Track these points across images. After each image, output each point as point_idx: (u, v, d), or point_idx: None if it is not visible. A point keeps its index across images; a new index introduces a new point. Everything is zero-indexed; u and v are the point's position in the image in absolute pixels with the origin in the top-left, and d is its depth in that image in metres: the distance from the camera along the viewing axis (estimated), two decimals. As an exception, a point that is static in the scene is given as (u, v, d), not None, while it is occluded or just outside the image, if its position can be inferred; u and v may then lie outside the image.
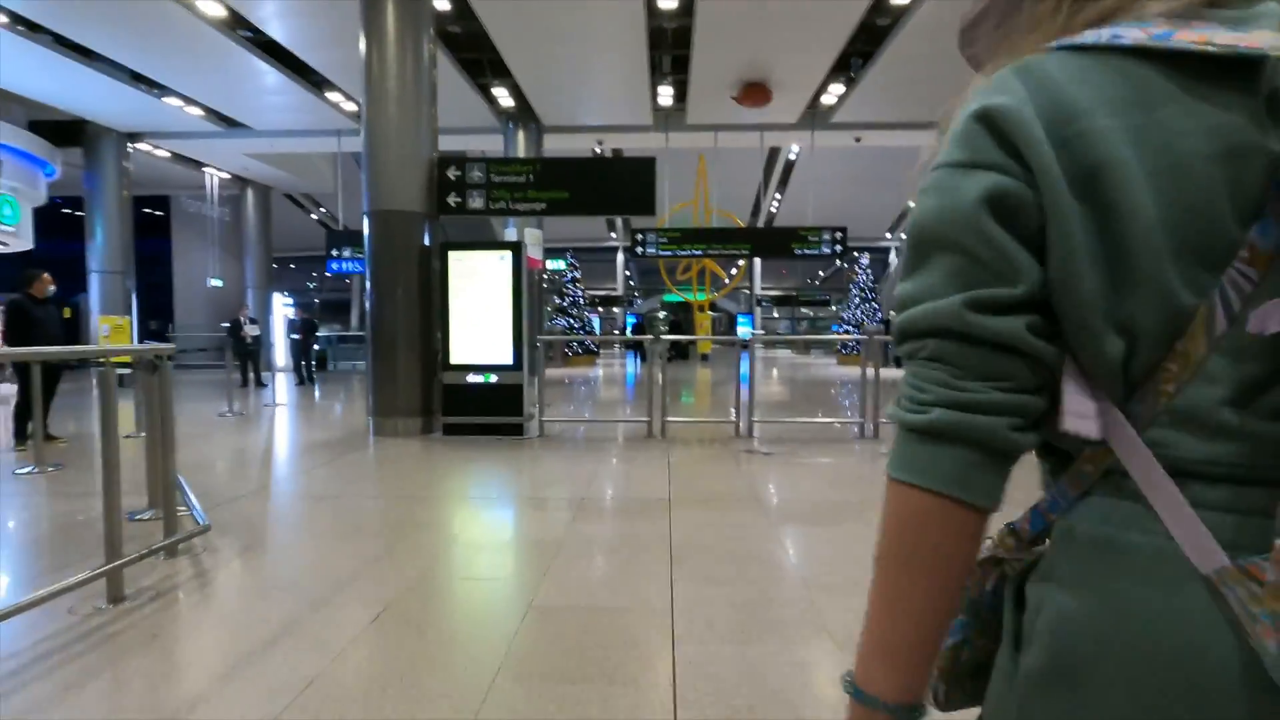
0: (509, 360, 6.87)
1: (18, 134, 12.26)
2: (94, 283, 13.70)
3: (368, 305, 7.10)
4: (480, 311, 6.90)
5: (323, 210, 28.46)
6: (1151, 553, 0.49)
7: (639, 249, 13.68)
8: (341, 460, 5.81)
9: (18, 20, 8.91)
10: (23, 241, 13.59)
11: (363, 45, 6.87)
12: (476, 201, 7.13)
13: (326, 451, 6.29)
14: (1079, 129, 0.48)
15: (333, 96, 11.77)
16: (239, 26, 9.22)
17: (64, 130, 13.67)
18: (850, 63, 10.93)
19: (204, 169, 16.71)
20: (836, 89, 11.78)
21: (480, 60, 10.59)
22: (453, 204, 7.13)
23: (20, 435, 6.47)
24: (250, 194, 18.38)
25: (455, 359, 6.94)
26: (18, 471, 5.62)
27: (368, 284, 7.07)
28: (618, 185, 7.09)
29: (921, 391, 0.53)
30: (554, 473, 5.48)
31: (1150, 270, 0.47)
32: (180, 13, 8.69)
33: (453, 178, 7.12)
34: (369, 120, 6.88)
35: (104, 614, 2.70)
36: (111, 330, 13.86)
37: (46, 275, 6.62)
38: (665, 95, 11.60)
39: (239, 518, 4.07)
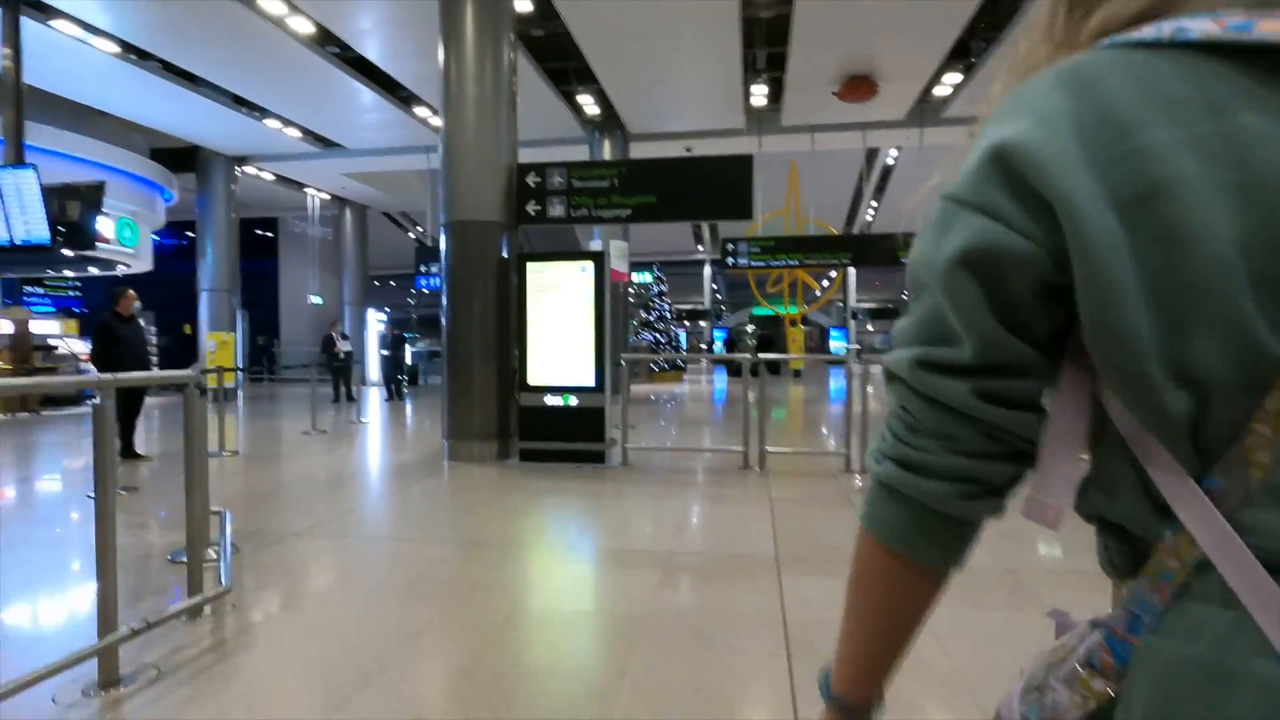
0: (590, 381, 6.27)
1: (137, 160, 12.97)
2: (203, 300, 14.33)
3: (444, 321, 6.70)
4: (560, 328, 6.34)
5: (419, 229, 29.39)
6: (1273, 685, 0.38)
7: (730, 260, 12.91)
8: (410, 491, 5.35)
9: (128, 49, 9.26)
10: (142, 262, 14.38)
11: (441, 50, 6.52)
12: (557, 209, 6.61)
13: (397, 479, 5.88)
14: (1132, 145, 0.42)
15: (420, 112, 11.74)
16: (328, 43, 9.23)
17: (180, 156, 14.42)
18: (970, 47, 9.79)
19: (305, 190, 17.33)
20: (952, 78, 10.62)
21: (565, 69, 10.21)
22: (532, 212, 6.64)
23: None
24: (348, 213, 18.95)
25: (533, 379, 6.40)
26: (90, 494, 5.48)
27: (444, 299, 6.68)
28: (710, 187, 6.38)
29: (883, 439, 0.54)
30: (638, 515, 4.79)
31: (1221, 305, 0.40)
32: (274, 33, 8.76)
33: (532, 185, 6.63)
34: (447, 127, 6.51)
35: (89, 702, 2.22)
36: (217, 345, 14.46)
37: (131, 293, 6.59)
38: (759, 95, 10.82)
39: (282, 564, 3.60)
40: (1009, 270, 0.45)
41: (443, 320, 6.72)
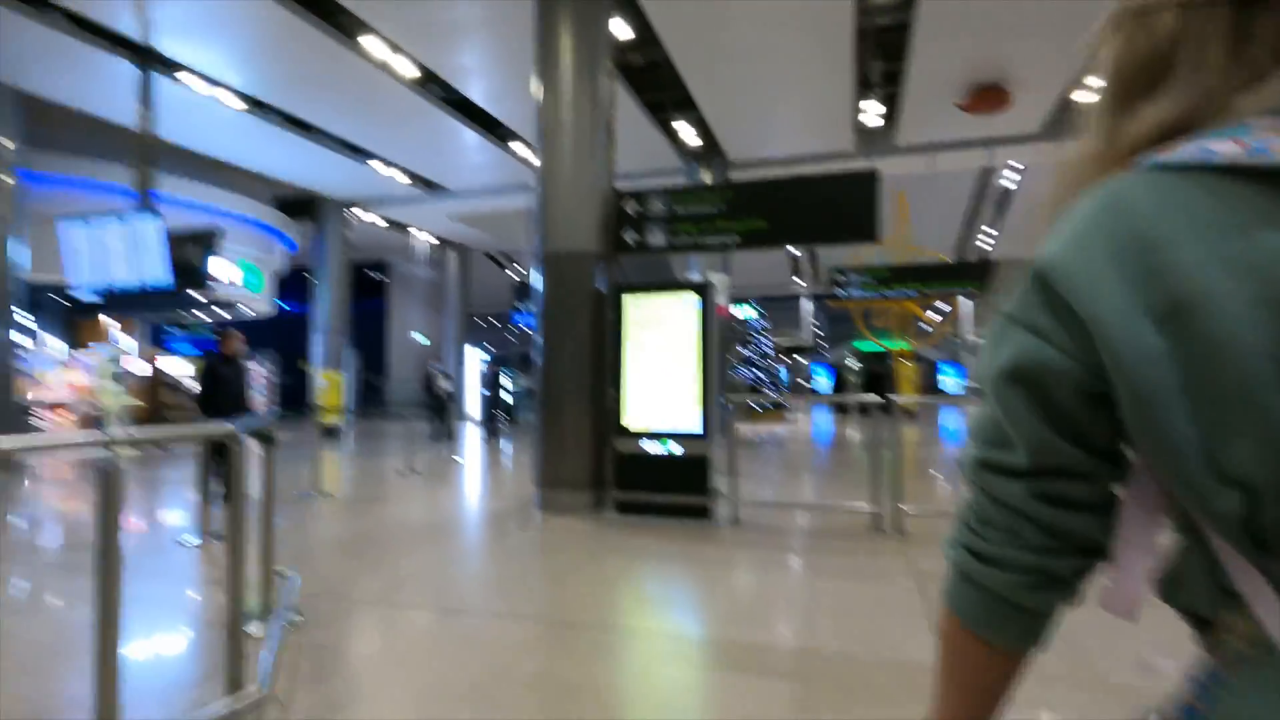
0: (695, 427, 5.60)
1: (261, 209, 13.73)
2: (316, 341, 14.90)
3: (536, 359, 6.27)
4: (660, 366, 5.74)
5: (521, 278, 30.09)
6: None
7: (839, 290, 11.97)
8: (495, 548, 4.84)
9: (250, 101, 9.73)
10: (265, 305, 15.17)
11: (535, 76, 6.23)
12: (657, 238, 6.08)
13: (484, 531, 5.41)
14: (1162, 260, 0.44)
15: (519, 149, 11.73)
16: (430, 82, 9.32)
17: (300, 205, 15.22)
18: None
19: (412, 232, 17.92)
20: (1098, 81, 9.37)
21: (663, 100, 9.84)
22: (630, 242, 6.14)
23: (205, 499, 6.35)
24: (452, 254, 19.46)
25: (631, 423, 5.81)
26: (181, 539, 5.35)
27: (537, 335, 6.26)
28: (828, 207, 5.64)
29: (959, 527, 0.57)
30: (757, 593, 4.02)
31: (1257, 413, 0.42)
32: (381, 78, 8.92)
33: (631, 213, 6.15)
34: (542, 154, 6.17)
35: None
36: (328, 384, 14.93)
37: (236, 333, 6.59)
38: (871, 113, 10.01)
39: (341, 646, 3.12)
40: (1051, 383, 0.49)
41: (535, 358, 6.29)
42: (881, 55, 8.94)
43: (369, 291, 22.59)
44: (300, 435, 15.12)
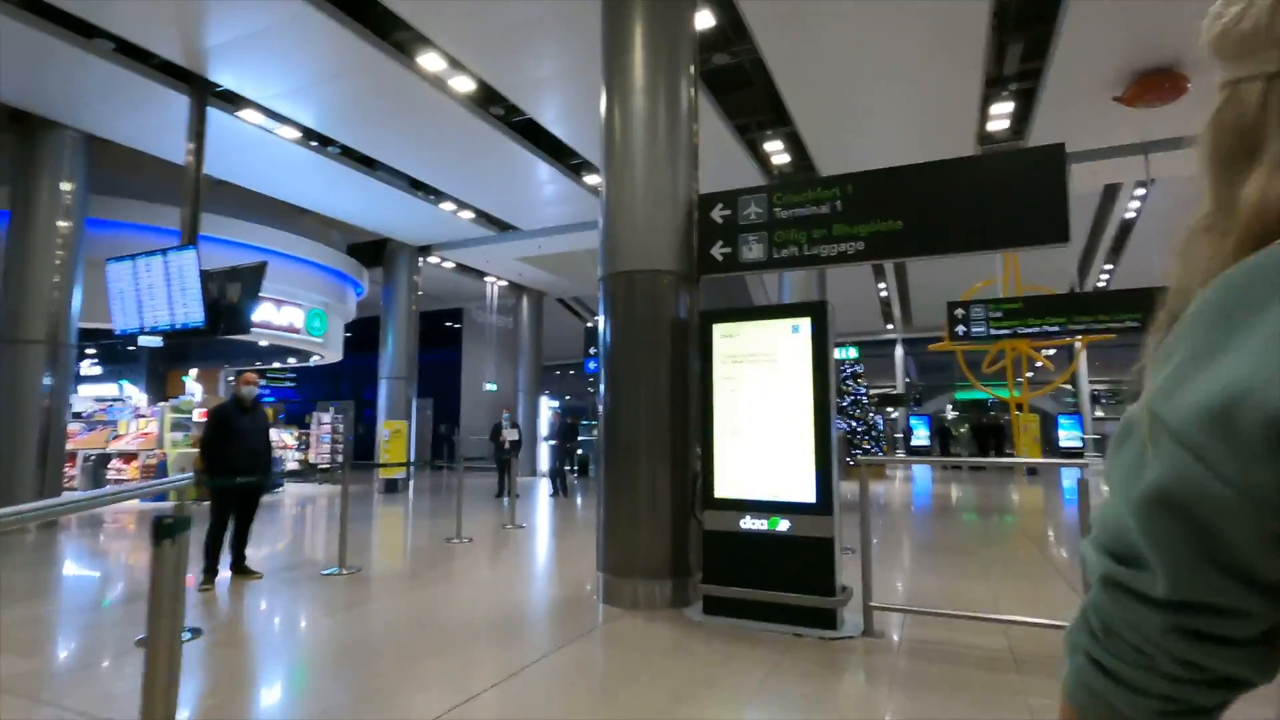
0: (809, 496, 4.12)
1: (331, 254, 13.36)
2: (381, 389, 14.28)
3: (600, 408, 4.98)
4: (760, 416, 4.33)
5: (597, 317, 29.34)
6: None
7: (960, 328, 10.21)
8: (536, 670, 3.47)
9: (308, 134, 9.24)
10: (332, 353, 14.72)
11: (601, 59, 5.15)
12: (754, 250, 4.75)
13: (530, 637, 4.05)
14: None
15: (591, 180, 10.80)
16: (492, 103, 8.51)
17: (371, 250, 14.87)
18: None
19: (485, 278, 17.37)
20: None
21: (744, 104, 8.65)
22: (719, 257, 4.84)
23: (210, 571, 5.33)
24: (525, 300, 18.80)
25: (722, 491, 4.39)
26: (139, 640, 4.23)
27: (602, 378, 4.99)
28: (994, 198, 4.17)
29: (1082, 624, 0.49)
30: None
31: None
32: (443, 102, 8.19)
33: (719, 220, 4.87)
34: (607, 154, 5.02)
35: None
36: (391, 434, 14.20)
37: (251, 376, 5.66)
38: (999, 116, 8.44)
39: None
40: (1225, 525, 0.40)
41: (599, 407, 5.00)
42: (1023, 40, 7.45)
43: (443, 341, 22.26)
44: (364, 489, 14.43)
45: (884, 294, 25.50)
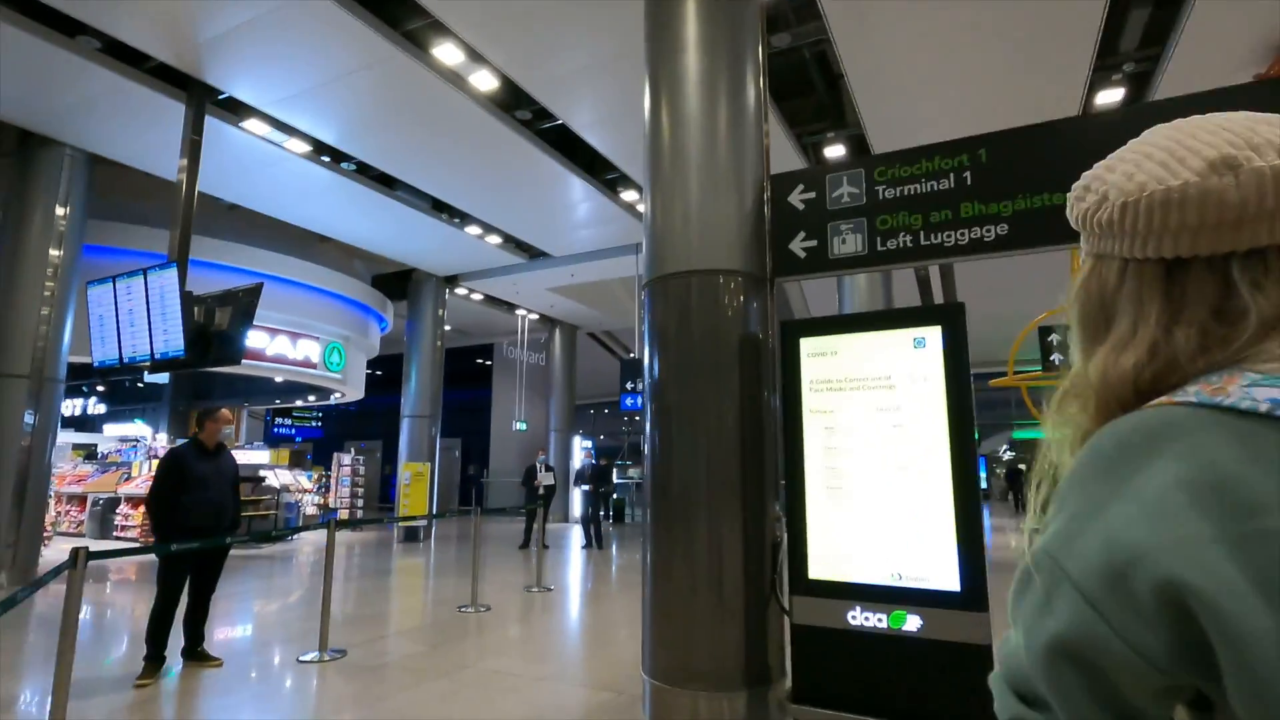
0: (949, 581, 2.87)
1: (353, 285, 12.59)
2: (404, 429, 13.33)
3: (644, 450, 3.80)
4: (871, 465, 3.11)
5: (631, 355, 28.34)
6: None
7: (1056, 357, 8.83)
8: None
9: (319, 148, 8.46)
10: (353, 390, 13.86)
11: (646, 18, 4.13)
12: (848, 243, 3.58)
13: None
14: (1258, 527, 0.40)
15: (628, 197, 9.82)
16: (518, 105, 7.61)
17: (395, 282, 14.11)
18: None
19: (515, 311, 16.50)
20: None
21: (799, 84, 7.56)
22: (800, 253, 3.68)
23: (153, 658, 4.23)
24: (557, 334, 17.85)
25: (820, 569, 3.16)
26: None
27: (646, 413, 3.83)
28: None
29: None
30: None
31: None
32: (462, 104, 7.32)
33: (799, 205, 3.73)
34: (652, 122, 3.95)
35: None
36: (412, 477, 13.17)
37: (225, 414, 4.64)
38: (1107, 98, 7.18)
39: None
40: (1115, 674, 0.44)
41: (645, 449, 3.82)
42: (1141, 19, 6.27)
43: (473, 379, 21.40)
44: (383, 536, 13.38)
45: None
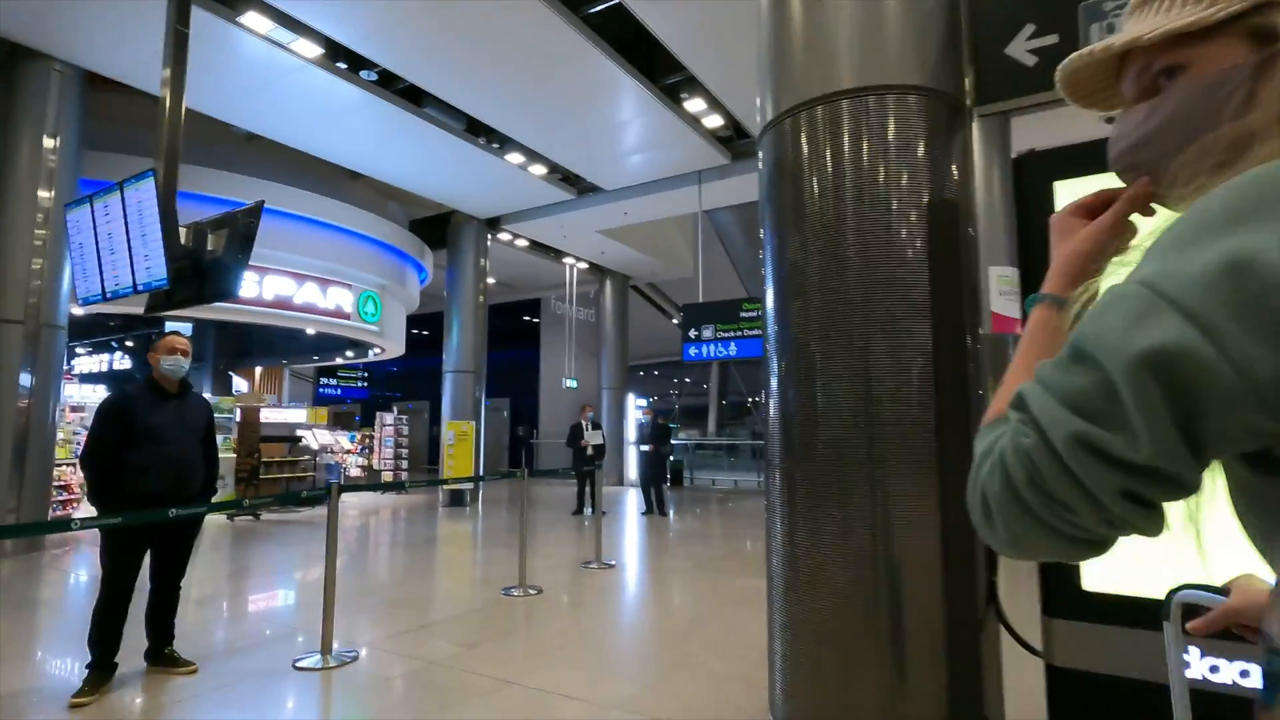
0: None
1: (387, 227, 11.50)
2: (446, 385, 12.34)
3: (767, 392, 2.49)
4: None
5: (683, 315, 26.90)
6: None
7: None
8: None
9: (333, 51, 7.25)
10: (393, 345, 12.91)
11: None
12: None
13: None
14: None
15: (693, 106, 8.35)
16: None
17: (435, 227, 13.01)
18: None
19: (563, 260, 15.26)
20: None
21: None
22: (1024, 59, 2.25)
23: (100, 666, 3.20)
24: (608, 286, 16.57)
25: (1101, 575, 1.80)
26: None
27: (767, 326, 2.51)
28: None
29: (999, 462, 0.50)
30: None
31: None
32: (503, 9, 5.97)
33: (1023, -16, 2.28)
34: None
35: None
36: (456, 437, 12.22)
37: (175, 338, 3.52)
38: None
39: None
40: (1207, 400, 0.42)
41: (770, 384, 2.51)
42: None
43: (520, 337, 20.41)
44: (428, 499, 12.57)
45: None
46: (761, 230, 2.60)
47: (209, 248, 5.53)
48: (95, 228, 5.58)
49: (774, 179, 2.48)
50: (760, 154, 2.59)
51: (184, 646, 3.54)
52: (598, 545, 6.45)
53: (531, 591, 5.13)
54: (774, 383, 2.47)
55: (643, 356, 26.24)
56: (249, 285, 9.47)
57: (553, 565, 6.25)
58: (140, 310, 6.02)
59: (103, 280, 5.61)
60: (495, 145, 9.56)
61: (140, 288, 5.28)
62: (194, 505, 3.40)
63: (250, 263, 9.06)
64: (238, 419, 10.14)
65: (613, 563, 6.36)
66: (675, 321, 27.40)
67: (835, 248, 2.29)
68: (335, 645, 3.64)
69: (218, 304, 9.36)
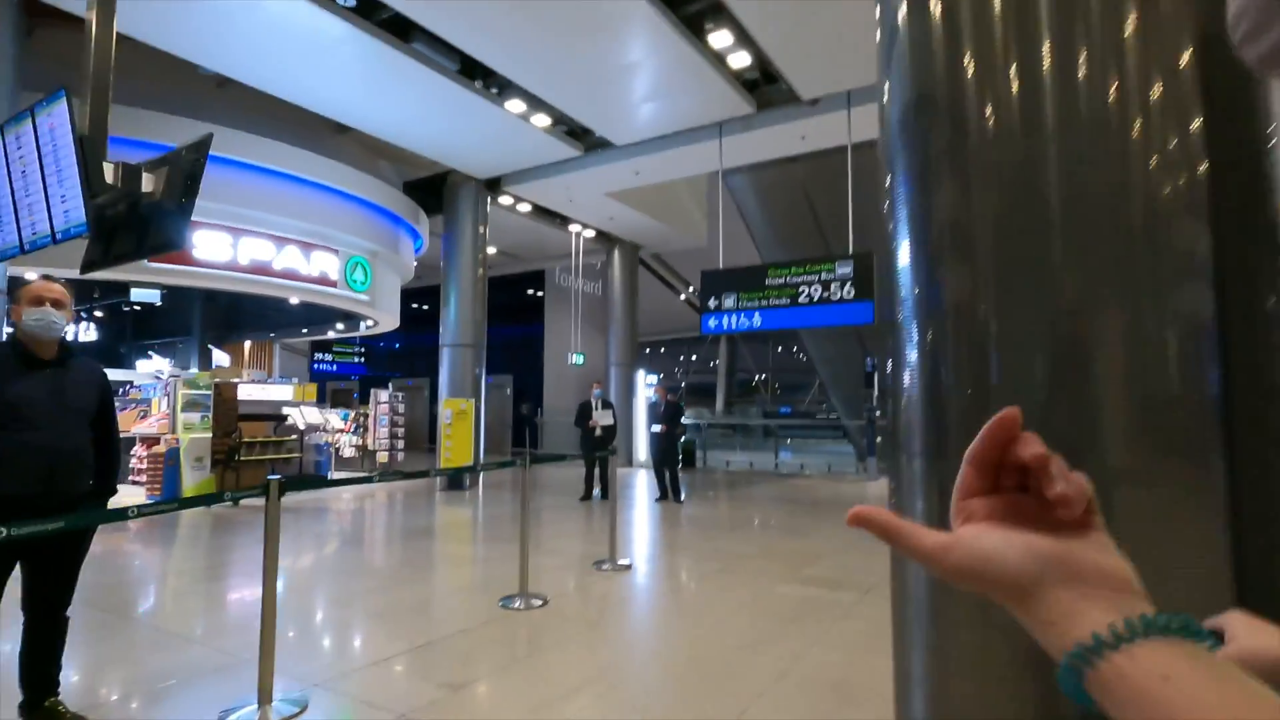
0: None
1: (377, 187, 10.53)
2: (444, 359, 11.46)
3: (909, 365, 1.55)
4: None
5: (691, 289, 25.88)
6: None
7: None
8: None
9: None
10: (386, 317, 12.00)
11: None
12: None
13: None
14: None
15: (718, 41, 7.32)
16: None
17: (431, 191, 12.02)
18: None
19: (569, 226, 14.27)
20: None
21: None
22: None
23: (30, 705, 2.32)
24: (616, 256, 15.58)
25: None
26: None
27: (901, 260, 1.57)
28: None
29: None
30: None
31: None
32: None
33: None
34: None
35: None
36: (453, 415, 11.36)
37: (44, 285, 2.63)
38: None
39: None
40: None
41: (904, 374, 1.58)
42: None
43: (523, 312, 19.48)
44: (425, 483, 11.75)
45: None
46: (888, 176, 1.70)
47: (146, 189, 4.54)
48: (8, 164, 4.62)
49: (915, 96, 1.56)
50: (889, 65, 1.66)
51: (81, 692, 2.69)
52: (612, 542, 5.59)
53: (535, 603, 4.28)
54: (913, 355, 1.56)
55: (649, 334, 25.34)
56: (221, 247, 8.55)
57: (559, 566, 5.40)
58: (77, 271, 5.09)
59: (19, 229, 4.66)
60: (494, 90, 8.55)
61: (60, 236, 4.31)
62: (80, 510, 2.52)
63: (224, 224, 8.03)
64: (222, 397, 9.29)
65: (628, 562, 5.51)
66: (683, 297, 26.42)
67: (1030, 186, 1.36)
68: (278, 692, 2.78)
69: (183, 269, 8.46)
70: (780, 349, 33.27)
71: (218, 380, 9.34)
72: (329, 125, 10.12)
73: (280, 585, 4.59)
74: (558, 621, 4.01)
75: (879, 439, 12.58)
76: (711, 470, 14.55)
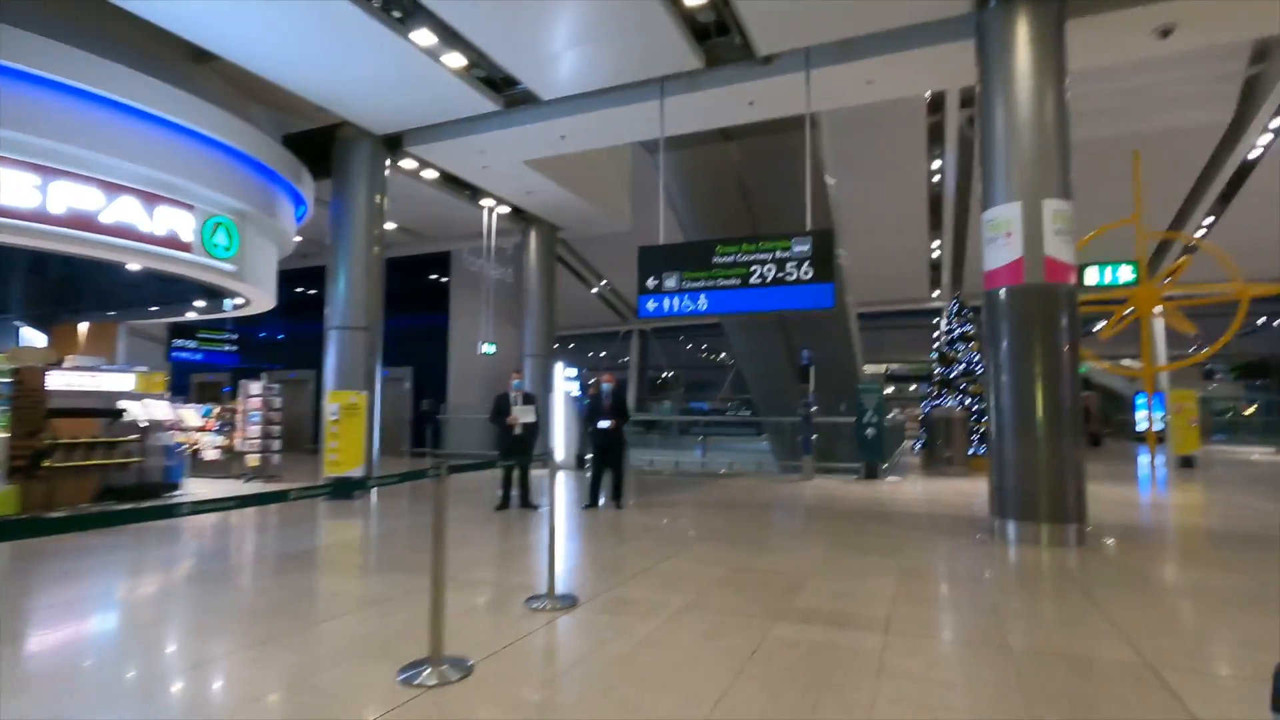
0: None
1: (245, 132, 8.65)
2: (330, 344, 9.71)
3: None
4: None
5: (604, 283, 24.76)
6: None
7: None
8: None
9: None
10: (260, 294, 10.05)
11: None
12: None
13: None
14: None
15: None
16: None
17: (316, 145, 10.20)
18: None
19: (481, 202, 12.74)
20: None
21: None
22: None
23: None
24: (534, 237, 14.16)
25: None
26: None
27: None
28: None
29: None
30: None
31: None
32: None
33: None
34: None
35: None
36: (341, 411, 9.64)
37: None
38: None
39: None
40: None
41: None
42: None
43: (431, 301, 17.62)
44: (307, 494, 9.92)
45: (936, 254, 21.92)
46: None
47: None
48: None
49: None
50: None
51: None
52: (550, 569, 4.31)
53: (452, 676, 2.97)
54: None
55: (559, 327, 24.03)
56: (24, 190, 6.55)
57: (480, 606, 4.09)
58: None
59: None
60: (396, 15, 7.03)
61: None
62: None
63: (28, 159, 6.18)
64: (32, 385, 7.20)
65: (577, 597, 4.26)
66: (595, 290, 25.28)
67: None
68: None
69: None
70: (690, 345, 32.80)
71: (17, 365, 7.24)
72: (183, 49, 8.20)
73: (49, 658, 2.97)
74: (488, 708, 2.73)
75: (815, 436, 11.91)
76: (636, 470, 13.44)
